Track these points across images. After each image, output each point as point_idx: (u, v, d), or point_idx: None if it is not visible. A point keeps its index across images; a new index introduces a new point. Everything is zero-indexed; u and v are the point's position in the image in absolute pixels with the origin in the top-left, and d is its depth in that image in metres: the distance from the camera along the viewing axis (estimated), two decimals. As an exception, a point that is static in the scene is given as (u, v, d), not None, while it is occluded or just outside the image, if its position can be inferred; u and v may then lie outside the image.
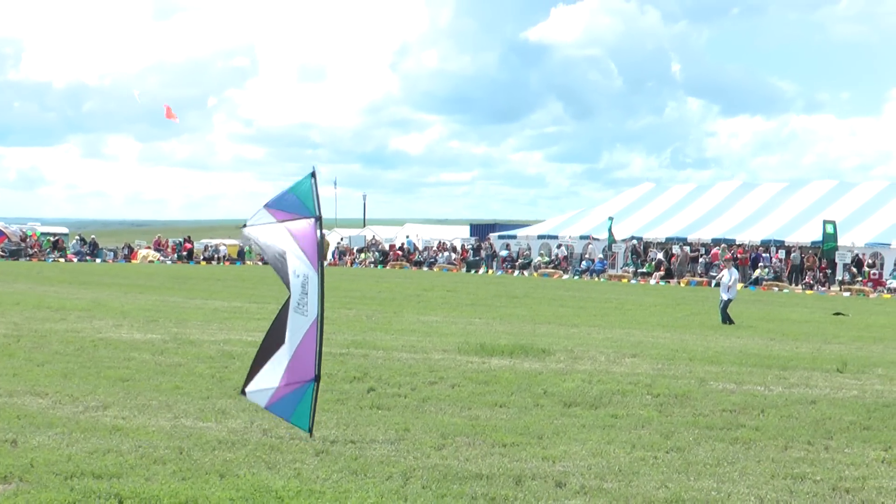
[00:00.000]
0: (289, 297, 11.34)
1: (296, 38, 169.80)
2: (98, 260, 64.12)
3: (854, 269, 50.46)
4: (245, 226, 11.82)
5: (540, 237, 64.60)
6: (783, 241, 54.15)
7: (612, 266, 58.73)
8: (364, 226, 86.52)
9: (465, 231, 73.18)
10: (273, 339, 11.65)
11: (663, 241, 58.63)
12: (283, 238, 11.59)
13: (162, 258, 65.64)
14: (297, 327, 11.56)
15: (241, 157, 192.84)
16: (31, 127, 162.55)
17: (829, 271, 50.92)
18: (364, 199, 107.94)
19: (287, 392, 11.64)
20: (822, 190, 59.15)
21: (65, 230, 74.91)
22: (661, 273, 55.32)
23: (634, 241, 59.00)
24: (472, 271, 61.03)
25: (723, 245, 55.15)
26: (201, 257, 66.64)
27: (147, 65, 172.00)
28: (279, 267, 11.67)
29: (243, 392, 11.90)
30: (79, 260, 63.12)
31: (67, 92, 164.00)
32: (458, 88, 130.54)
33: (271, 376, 11.68)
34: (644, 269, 56.97)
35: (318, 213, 11.45)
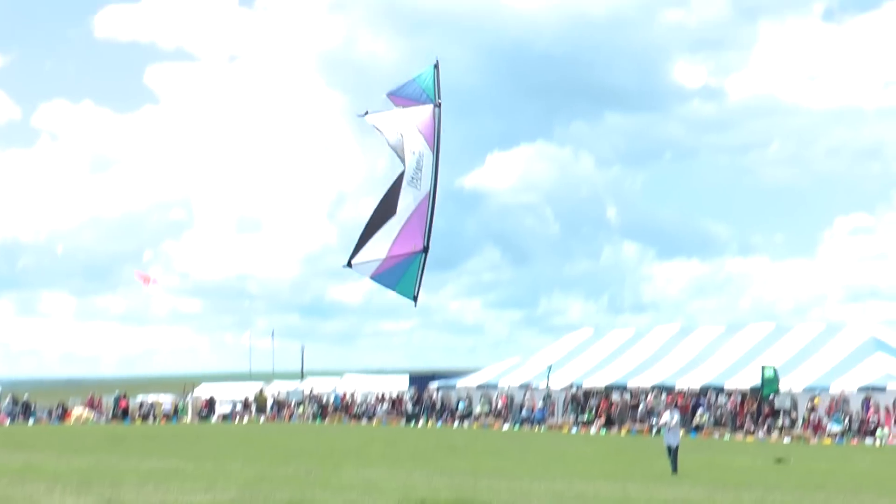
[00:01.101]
0: (402, 173, 12.36)
1: (232, 190, 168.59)
2: (31, 420, 65.00)
3: (794, 414, 52.32)
4: (367, 113, 13.11)
5: (479, 387, 65.93)
6: (723, 387, 55.92)
7: (553, 415, 60.53)
8: (302, 378, 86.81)
9: (404, 381, 72.97)
10: (383, 212, 12.56)
11: (602, 388, 60.36)
12: (402, 120, 12.75)
13: (96, 417, 66.36)
14: (411, 200, 12.53)
15: (177, 310, 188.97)
16: None
17: (769, 417, 52.68)
18: (302, 350, 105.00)
19: (394, 263, 12.53)
20: (759, 334, 60.72)
21: None
22: (602, 421, 56.98)
23: (574, 389, 60.72)
24: (412, 423, 62.75)
25: (663, 393, 57.57)
26: (137, 415, 66.92)
27: (83, 219, 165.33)
28: (396, 145, 12.78)
29: (349, 264, 12.64)
30: (11, 421, 63.94)
31: (1, 249, 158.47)
32: None
33: (379, 248, 12.62)
34: (584, 418, 58.56)
35: (437, 101, 12.59)
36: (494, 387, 65.30)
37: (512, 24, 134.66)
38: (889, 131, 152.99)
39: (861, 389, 51.28)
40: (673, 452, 30.34)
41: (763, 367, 52.81)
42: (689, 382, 57.46)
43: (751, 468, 33.03)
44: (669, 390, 56.35)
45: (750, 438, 49.91)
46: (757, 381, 52.91)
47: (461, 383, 68.18)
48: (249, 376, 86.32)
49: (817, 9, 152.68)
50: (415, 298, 12.59)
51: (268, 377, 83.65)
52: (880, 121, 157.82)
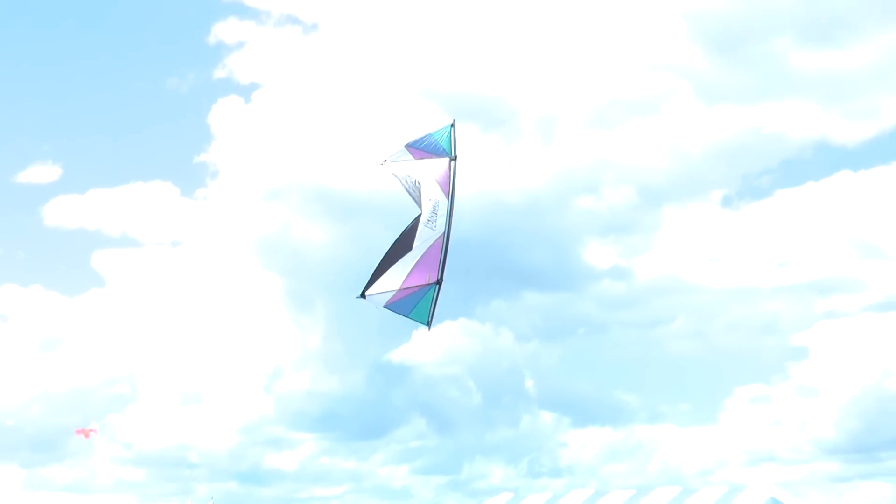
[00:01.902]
0: (418, 216, 14.91)
1: (174, 366, 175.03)
2: None
3: None
4: (385, 161, 15.42)
5: None
6: None
7: None
8: None
9: None
10: (399, 248, 14.86)
11: None
12: (419, 170, 15.16)
13: None
14: (426, 238, 14.93)
15: (122, 479, 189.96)
16: None
17: None
18: None
19: (408, 293, 14.76)
20: (667, 497, 61.43)
21: None
22: None
23: None
24: None
25: None
26: None
27: (32, 395, 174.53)
28: (413, 192, 15.37)
29: (362, 295, 14.68)
30: None
31: None
32: (328, 407, 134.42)
33: (393, 280, 14.83)
34: None
35: (454, 155, 15.22)
36: None
37: None
38: (783, 308, 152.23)
39: None
40: None
41: None
42: None
43: None
44: None
45: None
46: None
47: None
48: None
49: (715, 196, 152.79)
50: (429, 324, 14.43)
51: None
52: (775, 298, 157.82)
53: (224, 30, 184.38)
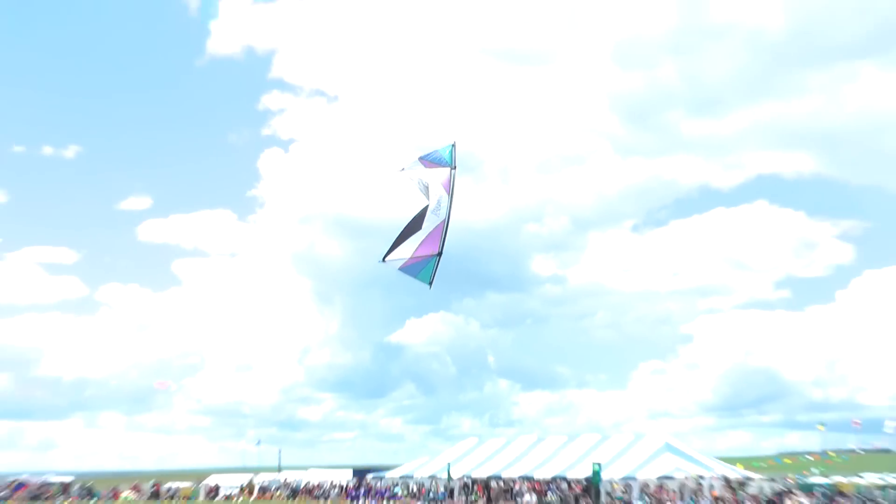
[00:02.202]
0: (426, 206, 16.37)
1: (231, 343, 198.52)
2: (93, 500, 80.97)
3: (614, 495, 62.15)
4: (403, 169, 16.77)
5: (401, 477, 78.86)
6: (565, 476, 66.93)
7: (451, 497, 70.93)
8: (279, 471, 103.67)
9: (349, 473, 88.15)
10: (410, 229, 16.35)
11: (484, 478, 71.24)
12: (429, 175, 16.63)
13: (137, 497, 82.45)
14: (432, 223, 16.28)
15: (194, 425, 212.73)
16: (46, 408, 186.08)
17: (598, 497, 61.81)
18: (279, 452, 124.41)
19: (417, 261, 16.05)
20: (590, 441, 73.75)
21: (70, 479, 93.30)
22: (484, 501, 67.89)
23: (465, 479, 71.84)
24: (355, 502, 74.57)
25: (525, 482, 67.57)
26: (165, 496, 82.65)
27: (130, 363, 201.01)
28: (423, 190, 16.54)
29: (383, 259, 15.90)
30: (81, 500, 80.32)
31: (74, 384, 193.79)
32: (343, 375, 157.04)
33: (406, 250, 16.22)
34: (472, 499, 68.95)
35: (454, 166, 16.56)
36: (411, 477, 78.18)
37: None
38: (675, 306, 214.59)
39: (658, 478, 62.88)
40: None
41: (593, 464, 63.94)
42: (543, 474, 69.33)
43: None
44: (530, 479, 68.21)
45: None
46: (589, 473, 63.92)
47: (389, 475, 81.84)
48: (243, 470, 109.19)
49: (627, 225, 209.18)
50: (430, 284, 15.37)
51: (255, 471, 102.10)
52: (669, 299, 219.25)
53: (269, 99, 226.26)
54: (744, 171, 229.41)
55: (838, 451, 79.15)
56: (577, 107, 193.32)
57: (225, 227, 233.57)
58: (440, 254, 16.51)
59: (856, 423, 74.66)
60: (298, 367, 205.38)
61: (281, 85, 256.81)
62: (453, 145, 17.38)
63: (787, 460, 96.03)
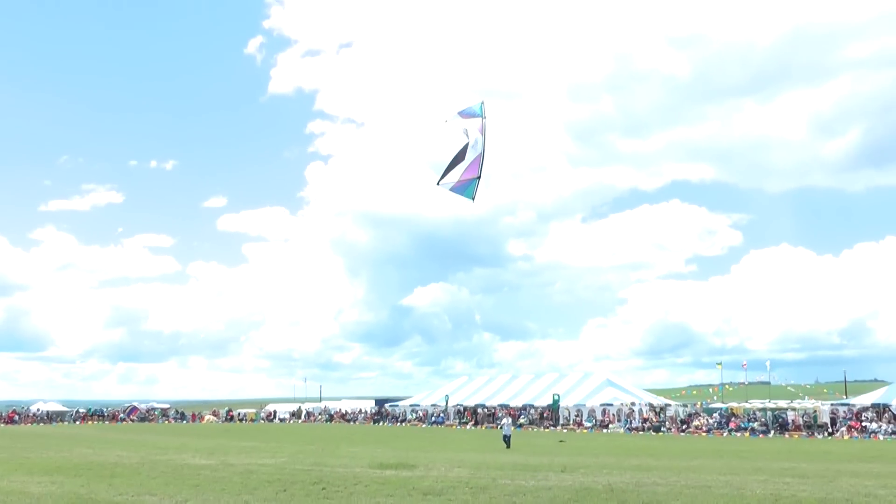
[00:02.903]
0: (466, 143, 16.50)
1: (284, 306, 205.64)
2: (184, 421, 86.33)
3: (568, 417, 64.31)
4: (446, 121, 16.85)
5: (411, 406, 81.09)
6: (533, 404, 68.99)
7: (448, 419, 73.61)
8: (321, 401, 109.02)
9: (372, 403, 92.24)
10: (457, 160, 16.56)
11: (473, 406, 73.38)
12: (467, 123, 16.90)
13: (216, 420, 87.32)
14: (471, 155, 16.44)
15: (258, 366, 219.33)
16: (151, 353, 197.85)
17: (557, 419, 64.12)
18: (320, 388, 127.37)
19: (461, 183, 16.37)
20: (551, 378, 74.68)
21: (167, 406, 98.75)
22: (472, 422, 69.94)
23: (459, 406, 74.54)
24: (377, 424, 77.32)
25: (503, 409, 69.49)
26: (237, 419, 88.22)
27: (213, 320, 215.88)
28: (464, 133, 16.71)
29: (438, 183, 16.11)
30: (175, 422, 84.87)
31: (170, 336, 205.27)
32: (368, 329, 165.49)
33: (452, 177, 16.51)
34: (464, 420, 71.05)
35: (484, 116, 16.76)
36: (418, 406, 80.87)
37: (426, 223, 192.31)
38: (614, 277, 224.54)
39: (601, 405, 64.64)
40: (508, 438, 36.48)
41: (553, 394, 66.88)
42: (517, 402, 71.36)
43: (547, 444, 39.62)
44: (507, 407, 70.39)
45: (546, 430, 61.86)
46: (550, 402, 66.74)
47: (402, 404, 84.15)
48: (294, 400, 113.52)
49: (578, 217, 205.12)
50: (473, 199, 15.76)
51: (302, 401, 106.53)
52: (610, 272, 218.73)
53: (314, 125, 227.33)
54: (663, 177, 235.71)
55: (732, 384, 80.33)
56: (540, 130, 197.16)
57: (280, 220, 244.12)
58: (479, 177, 16.34)
59: (744, 364, 75.51)
60: (334, 322, 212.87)
61: (322, 115, 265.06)
62: (482, 103, 16.90)
63: (695, 391, 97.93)
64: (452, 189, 15.93)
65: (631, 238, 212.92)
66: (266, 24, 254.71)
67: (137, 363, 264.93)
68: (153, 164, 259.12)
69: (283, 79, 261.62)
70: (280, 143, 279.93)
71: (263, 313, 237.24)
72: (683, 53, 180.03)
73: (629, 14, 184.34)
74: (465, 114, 16.97)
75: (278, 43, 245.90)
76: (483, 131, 16.38)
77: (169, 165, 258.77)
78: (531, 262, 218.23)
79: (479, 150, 16.05)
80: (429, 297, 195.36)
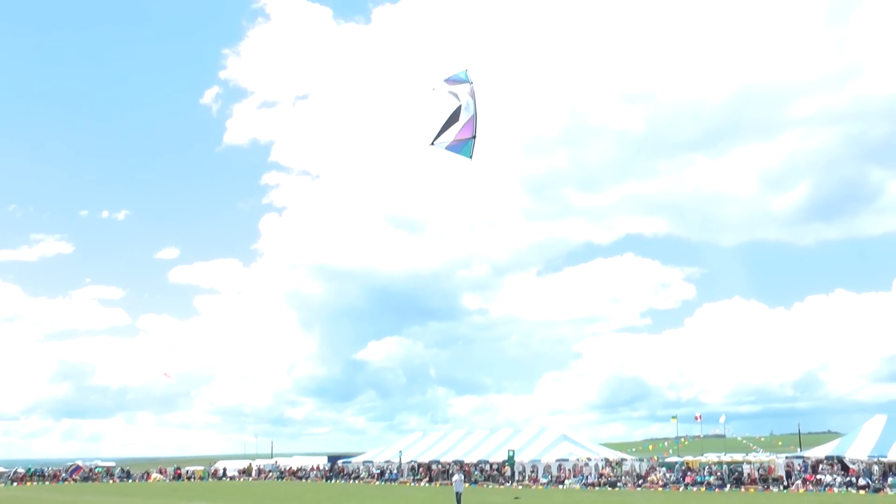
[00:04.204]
0: (459, 105, 16.75)
1: (236, 359, 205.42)
2: (129, 480, 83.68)
3: (524, 474, 63.88)
4: (434, 88, 17.26)
5: (364, 462, 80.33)
6: (488, 460, 68.88)
7: (402, 476, 73.14)
8: (272, 457, 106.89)
9: (324, 459, 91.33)
10: (450, 121, 16.78)
11: (427, 462, 73.01)
12: (454, 88, 17.27)
13: (164, 479, 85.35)
14: (465, 116, 16.62)
15: (208, 421, 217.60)
16: (97, 408, 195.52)
17: (512, 475, 63.71)
18: (272, 444, 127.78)
19: (457, 143, 16.57)
20: (506, 433, 74.42)
21: (113, 464, 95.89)
22: (427, 479, 69.78)
23: (413, 463, 74.30)
24: (329, 481, 76.73)
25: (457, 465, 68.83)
26: (185, 477, 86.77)
27: (161, 375, 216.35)
28: (455, 95, 17.06)
29: (432, 143, 16.29)
30: (120, 481, 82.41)
31: (118, 390, 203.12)
32: (321, 384, 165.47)
33: (448, 136, 16.72)
34: (418, 477, 71.06)
35: (470, 81, 17.29)
36: (371, 462, 79.95)
37: (381, 276, 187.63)
38: (569, 331, 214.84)
39: (557, 460, 64.39)
40: (459, 496, 36.98)
41: (508, 450, 66.75)
42: (471, 458, 71.19)
43: (502, 501, 41.15)
44: (460, 463, 70.05)
45: (502, 487, 61.70)
46: (505, 457, 66.53)
47: (355, 460, 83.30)
48: (244, 456, 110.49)
49: (533, 271, 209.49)
50: (470, 157, 16.03)
51: (253, 457, 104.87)
52: (564, 325, 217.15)
53: (269, 177, 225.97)
54: (616, 231, 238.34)
55: (687, 437, 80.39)
56: (496, 183, 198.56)
57: (234, 272, 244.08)
58: (474, 136, 16.40)
59: (698, 417, 75.80)
60: (287, 377, 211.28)
61: (277, 166, 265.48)
62: (466, 70, 17.18)
63: (651, 445, 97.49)
64: (448, 148, 15.89)
65: (586, 291, 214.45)
66: (222, 74, 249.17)
67: (82, 419, 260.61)
68: (105, 213, 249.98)
69: (239, 130, 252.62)
70: (234, 194, 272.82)
71: (214, 367, 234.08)
72: (636, 109, 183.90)
73: (584, 71, 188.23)
74: (452, 80, 17.07)
75: (234, 94, 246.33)
76: (472, 95, 16.49)
77: (121, 215, 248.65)
78: (486, 315, 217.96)
79: (472, 111, 16.04)
80: (383, 351, 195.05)
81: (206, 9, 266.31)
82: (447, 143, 16.16)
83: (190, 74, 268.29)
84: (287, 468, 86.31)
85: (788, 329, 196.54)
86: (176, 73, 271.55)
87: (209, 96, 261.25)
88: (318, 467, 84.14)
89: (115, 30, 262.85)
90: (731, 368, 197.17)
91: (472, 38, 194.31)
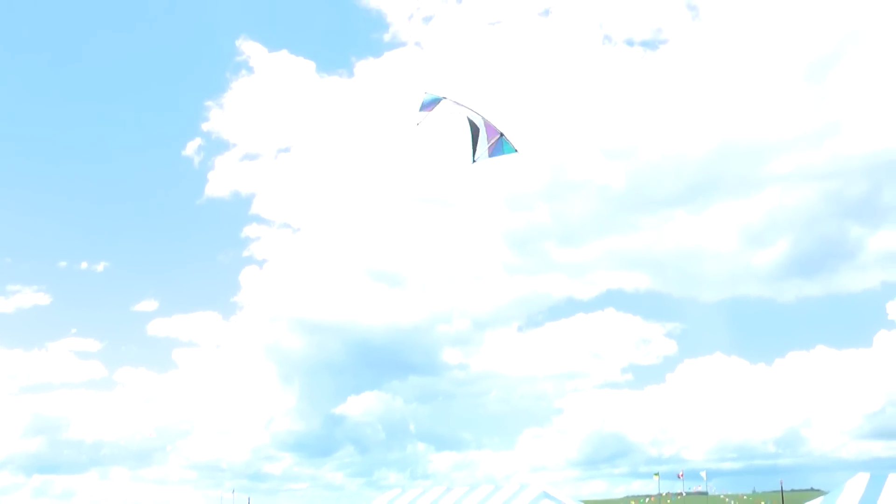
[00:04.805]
0: (468, 117, 17.23)
1: (215, 413, 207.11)
2: None
3: None
4: (418, 123, 17.47)
5: None
6: None
7: None
8: None
9: None
10: (473, 135, 17.17)
11: None
12: (441, 107, 17.30)
13: None
14: (479, 122, 16.91)
15: (184, 477, 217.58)
16: (70, 464, 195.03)
17: None
18: (248, 499, 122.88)
19: (492, 147, 16.80)
20: (487, 490, 69.56)
21: None
22: None
23: None
24: None
25: None
26: None
27: (136, 429, 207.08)
28: (452, 106, 17.59)
29: (473, 162, 16.47)
30: None
31: (92, 445, 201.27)
32: (299, 439, 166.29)
33: (482, 148, 17.08)
34: None
35: (442, 96, 17.45)
36: None
37: (361, 330, 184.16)
38: (550, 386, 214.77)
39: None
40: None
41: None
42: None
43: None
44: None
45: None
46: None
47: None
48: None
49: (514, 326, 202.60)
50: (516, 150, 16.29)
51: None
52: (546, 381, 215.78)
53: (249, 230, 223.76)
54: (597, 286, 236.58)
55: (670, 494, 78.94)
56: (478, 238, 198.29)
57: (213, 325, 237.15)
58: (502, 134, 16.28)
59: (680, 474, 74.81)
60: (265, 431, 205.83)
61: (258, 219, 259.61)
62: (426, 92, 17.05)
63: (632, 502, 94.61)
64: (491, 156, 16.01)
65: (567, 347, 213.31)
66: (205, 126, 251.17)
67: (55, 475, 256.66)
68: (84, 265, 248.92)
69: (221, 182, 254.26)
70: (215, 246, 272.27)
71: (192, 421, 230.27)
72: (618, 165, 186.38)
73: (566, 126, 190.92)
74: (428, 106, 17.12)
75: (217, 146, 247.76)
76: (459, 103, 16.58)
77: (100, 267, 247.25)
78: (467, 370, 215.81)
79: (477, 114, 16.08)
80: (362, 406, 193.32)
81: (189, 60, 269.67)
82: (486, 154, 16.26)
83: (172, 126, 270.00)
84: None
85: (770, 385, 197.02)
86: (158, 124, 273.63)
87: (191, 148, 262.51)
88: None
89: (96, 80, 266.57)
90: (713, 425, 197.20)
91: (453, 94, 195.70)
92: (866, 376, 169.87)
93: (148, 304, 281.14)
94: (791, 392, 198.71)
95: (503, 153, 16.32)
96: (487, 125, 16.54)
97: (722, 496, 74.51)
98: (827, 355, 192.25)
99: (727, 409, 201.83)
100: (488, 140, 16.47)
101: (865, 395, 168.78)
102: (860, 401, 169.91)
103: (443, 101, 16.85)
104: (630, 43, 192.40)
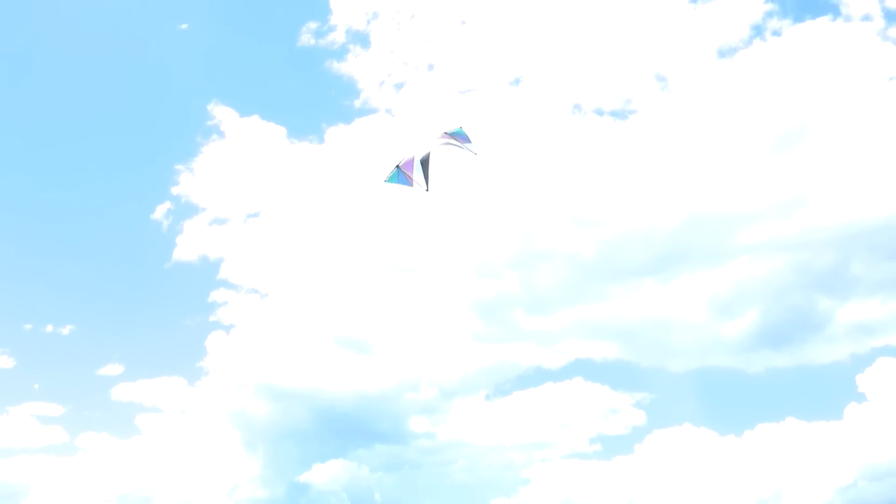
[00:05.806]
0: (411, 158, 21.90)
1: (179, 482, 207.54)
2: None
3: None
4: (385, 181, 20.06)
5: None
6: None
7: None
8: None
9: None
10: (424, 167, 20.65)
11: None
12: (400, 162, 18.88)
13: None
14: (417, 157, 21.35)
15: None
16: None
17: None
18: None
19: (412, 173, 20.63)
20: None
21: None
22: None
23: None
24: None
25: None
26: None
27: (98, 496, 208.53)
28: (411, 161, 21.79)
29: (426, 189, 18.29)
30: None
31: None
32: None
33: (419, 176, 20.01)
34: None
35: (425, 156, 21.55)
36: None
37: (327, 397, 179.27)
38: (518, 457, 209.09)
39: None
40: None
41: None
42: None
43: None
44: None
45: None
46: None
47: None
48: None
49: (482, 394, 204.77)
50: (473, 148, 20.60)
51: None
52: (513, 451, 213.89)
53: (217, 294, 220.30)
54: (566, 355, 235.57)
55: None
56: (446, 306, 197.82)
57: (178, 390, 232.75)
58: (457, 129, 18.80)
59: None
60: (228, 499, 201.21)
61: (226, 284, 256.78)
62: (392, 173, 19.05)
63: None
64: (461, 143, 17.54)
65: (535, 416, 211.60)
66: (175, 190, 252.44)
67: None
68: (49, 328, 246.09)
69: (189, 246, 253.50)
70: (182, 310, 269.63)
71: (153, 488, 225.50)
72: (587, 234, 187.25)
73: (535, 195, 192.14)
74: (406, 168, 18.44)
75: (186, 210, 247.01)
76: (408, 159, 18.58)
77: (66, 330, 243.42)
78: (433, 439, 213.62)
79: (418, 157, 18.13)
80: (327, 474, 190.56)
81: (160, 124, 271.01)
82: (450, 143, 15.95)
83: (142, 189, 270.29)
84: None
85: (740, 457, 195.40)
86: (128, 187, 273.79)
87: (160, 211, 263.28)
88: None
89: (65, 141, 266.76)
90: (682, 496, 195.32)
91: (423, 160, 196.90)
92: (837, 449, 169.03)
93: (113, 368, 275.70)
94: (761, 464, 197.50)
95: (461, 136, 16.06)
96: (410, 162, 17.59)
97: (692, 571, 73.45)
98: (797, 427, 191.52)
99: (696, 481, 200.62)
100: (413, 170, 16.49)
101: (837, 469, 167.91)
102: (832, 474, 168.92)
103: (399, 168, 16.93)
104: (599, 112, 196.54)
